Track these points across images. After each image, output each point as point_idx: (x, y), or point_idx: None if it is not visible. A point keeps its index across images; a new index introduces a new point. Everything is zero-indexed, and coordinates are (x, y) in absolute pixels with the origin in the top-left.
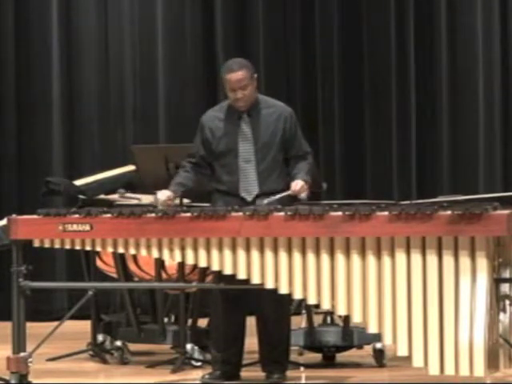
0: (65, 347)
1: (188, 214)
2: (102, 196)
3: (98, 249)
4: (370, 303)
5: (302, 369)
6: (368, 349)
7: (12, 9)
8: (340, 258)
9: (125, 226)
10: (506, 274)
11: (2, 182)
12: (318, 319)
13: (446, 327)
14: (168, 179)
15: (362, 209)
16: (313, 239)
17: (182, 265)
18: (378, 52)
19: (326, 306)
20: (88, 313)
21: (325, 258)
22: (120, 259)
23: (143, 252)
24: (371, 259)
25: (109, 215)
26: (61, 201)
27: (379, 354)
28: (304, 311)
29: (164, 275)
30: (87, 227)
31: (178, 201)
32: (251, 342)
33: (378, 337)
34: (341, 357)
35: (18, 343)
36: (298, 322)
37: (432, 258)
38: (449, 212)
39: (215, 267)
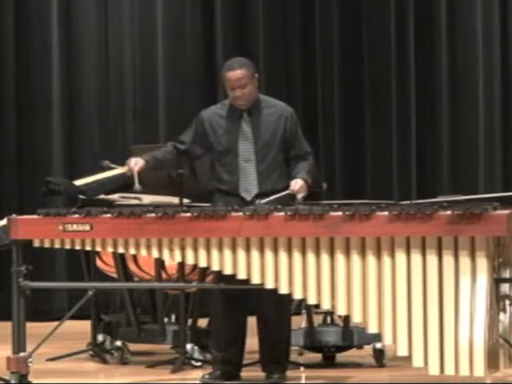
0: (65, 347)
1: (188, 214)
2: (102, 196)
3: (98, 249)
4: (370, 303)
5: (302, 369)
6: (368, 349)
7: (12, 9)
8: (340, 258)
9: (125, 226)
10: (506, 274)
11: (2, 182)
12: (318, 319)
13: (446, 327)
14: (168, 179)
15: (362, 209)
16: (313, 239)
17: (182, 265)
18: (378, 52)
19: (326, 305)
20: (88, 313)
21: (325, 258)
22: (120, 259)
23: (143, 252)
24: (371, 259)
25: (109, 215)
26: (61, 201)
27: (379, 354)
28: (304, 311)
29: (164, 275)
30: (87, 227)
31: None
32: (251, 342)
33: (377, 337)
34: (341, 357)
35: (18, 343)
36: (298, 322)
37: (432, 258)
38: (449, 212)
39: (215, 267)
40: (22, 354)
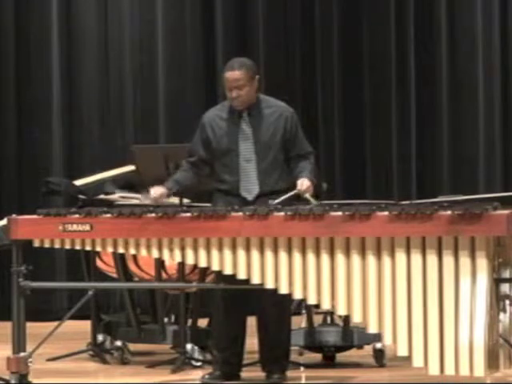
0: (65, 347)
1: (188, 214)
2: (102, 196)
3: (98, 249)
4: (370, 303)
5: (302, 369)
6: (368, 349)
7: (12, 8)
8: (340, 257)
9: (125, 226)
10: (506, 274)
11: (2, 182)
12: (318, 319)
13: (446, 327)
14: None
15: (362, 209)
16: (313, 239)
17: (182, 265)
18: (378, 52)
19: (326, 305)
20: (88, 313)
21: (325, 258)
22: (120, 259)
23: (143, 252)
24: (371, 259)
25: (109, 215)
26: (61, 201)
27: (379, 354)
28: (304, 311)
29: (164, 275)
30: (87, 227)
31: (173, 199)
32: (251, 342)
33: (378, 337)
34: (341, 357)
35: (18, 343)
36: (298, 322)
37: (432, 258)
38: (449, 212)
39: (215, 267)
40: (22, 354)
